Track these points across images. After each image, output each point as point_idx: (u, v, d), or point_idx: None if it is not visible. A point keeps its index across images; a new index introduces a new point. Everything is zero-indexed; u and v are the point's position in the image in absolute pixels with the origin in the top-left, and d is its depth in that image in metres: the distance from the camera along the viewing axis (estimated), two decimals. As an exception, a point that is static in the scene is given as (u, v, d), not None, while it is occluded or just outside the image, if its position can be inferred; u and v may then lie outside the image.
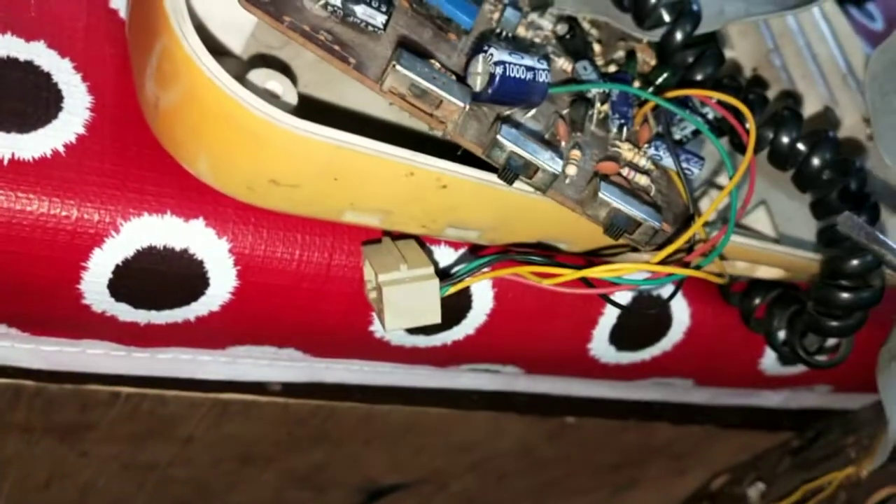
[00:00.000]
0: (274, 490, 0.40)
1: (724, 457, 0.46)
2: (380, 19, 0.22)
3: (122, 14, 0.25)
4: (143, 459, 0.36)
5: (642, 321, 0.30)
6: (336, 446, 0.38)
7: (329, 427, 0.35)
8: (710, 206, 0.25)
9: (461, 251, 0.26)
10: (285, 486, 0.40)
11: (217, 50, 0.25)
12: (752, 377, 0.34)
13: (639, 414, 0.38)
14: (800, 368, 0.35)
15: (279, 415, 0.33)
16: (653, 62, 0.28)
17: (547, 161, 0.22)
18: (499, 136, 0.22)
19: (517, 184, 0.23)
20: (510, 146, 0.22)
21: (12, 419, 0.31)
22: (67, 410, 0.31)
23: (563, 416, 0.37)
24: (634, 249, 0.24)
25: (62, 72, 0.23)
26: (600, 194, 0.23)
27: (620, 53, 0.29)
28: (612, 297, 0.25)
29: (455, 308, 0.27)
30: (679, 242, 0.22)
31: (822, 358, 0.29)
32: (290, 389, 0.32)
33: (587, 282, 0.23)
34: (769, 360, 0.34)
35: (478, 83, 0.23)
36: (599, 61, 0.28)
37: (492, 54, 0.23)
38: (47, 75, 0.23)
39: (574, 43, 0.27)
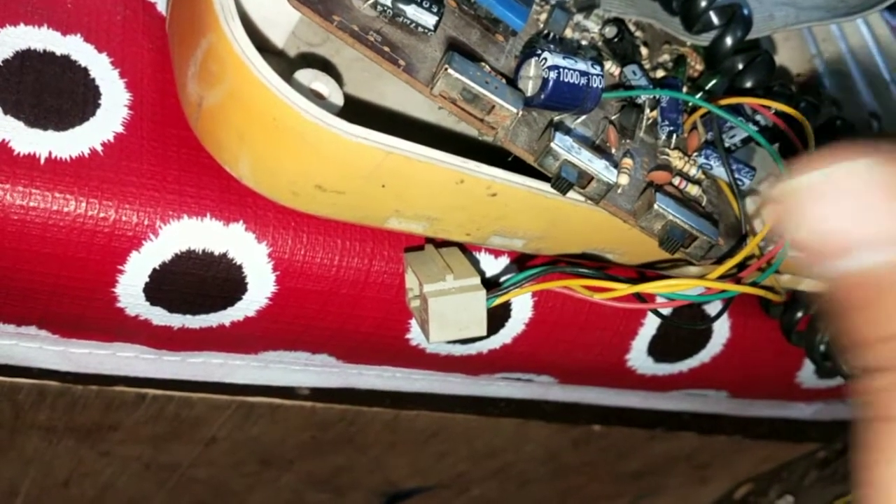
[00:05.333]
0: (293, 491, 0.40)
1: (747, 466, 0.46)
2: (431, 20, 0.21)
3: (160, 7, 0.24)
4: (165, 460, 0.35)
5: (683, 333, 0.29)
6: (359, 450, 0.37)
7: (354, 431, 0.35)
8: (756, 212, 0.24)
9: (502, 258, 0.25)
10: (305, 487, 0.40)
11: (258, 46, 0.24)
12: (787, 390, 0.34)
13: (667, 423, 0.38)
14: (837, 381, 0.34)
15: (305, 418, 0.33)
16: (697, 66, 0.28)
17: (602, 170, 0.22)
18: (553, 144, 0.21)
19: (571, 194, 0.22)
20: (564, 154, 0.21)
21: (35, 419, 0.30)
22: (91, 411, 0.30)
23: (590, 424, 0.37)
24: (688, 263, 0.24)
25: (100, 67, 0.23)
26: (656, 206, 0.22)
27: (666, 56, 0.28)
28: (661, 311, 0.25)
29: (493, 317, 0.27)
30: (737, 259, 0.21)
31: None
32: (318, 393, 0.31)
33: (640, 297, 0.22)
34: (807, 373, 0.33)
35: (529, 87, 0.22)
36: (646, 65, 0.28)
37: (545, 58, 0.22)
38: (85, 70, 0.22)
39: (622, 46, 0.27)
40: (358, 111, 0.25)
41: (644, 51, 0.28)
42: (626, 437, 0.39)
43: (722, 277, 0.22)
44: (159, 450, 0.34)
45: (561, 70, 0.22)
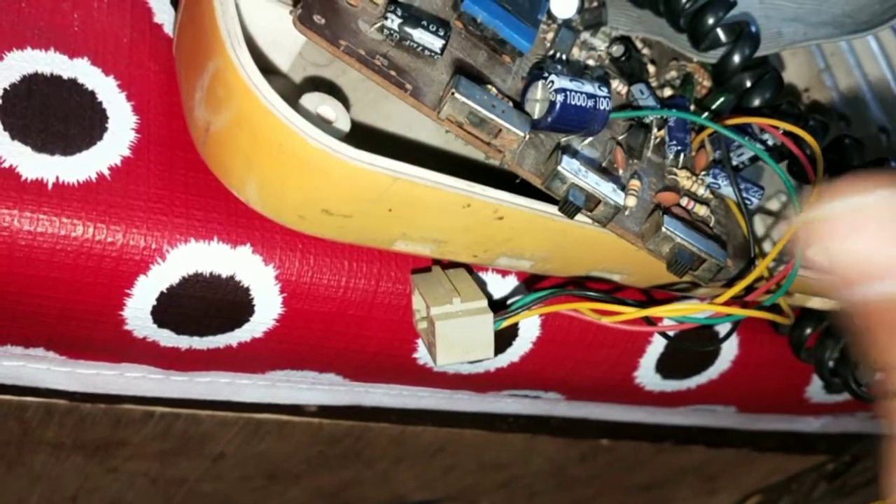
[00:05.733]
0: (301, 505, 0.40)
1: (756, 478, 0.45)
2: (437, 44, 0.21)
3: (167, 29, 0.24)
4: (172, 475, 0.35)
5: (691, 350, 0.29)
6: (366, 464, 0.37)
7: (361, 446, 0.35)
8: (765, 230, 0.24)
9: (510, 278, 0.25)
10: (312, 501, 0.40)
11: (264, 68, 0.24)
12: (796, 404, 0.34)
13: (675, 438, 0.38)
14: (846, 396, 0.34)
15: (312, 434, 0.33)
16: (705, 83, 0.28)
17: (609, 193, 0.22)
18: (560, 168, 0.21)
19: (579, 217, 0.22)
20: (571, 178, 0.21)
21: (43, 436, 0.30)
22: (99, 428, 0.30)
23: (598, 438, 0.37)
24: (695, 285, 0.24)
25: (107, 90, 0.23)
26: (664, 229, 0.22)
27: (673, 73, 0.28)
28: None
29: (501, 336, 0.27)
30: (746, 282, 0.21)
31: (875, 392, 0.28)
32: (325, 411, 0.31)
33: (648, 319, 0.22)
34: (815, 388, 0.33)
35: (536, 110, 0.22)
36: (653, 83, 0.28)
37: (552, 81, 0.22)
38: (91, 94, 0.22)
39: (629, 64, 0.27)
40: (364, 132, 0.25)
41: (651, 68, 0.28)
42: (633, 451, 0.38)
43: (730, 299, 0.22)
44: (167, 465, 0.34)
45: (568, 93, 0.22)
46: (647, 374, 0.29)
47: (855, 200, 0.14)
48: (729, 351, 0.30)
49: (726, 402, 0.33)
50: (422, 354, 0.26)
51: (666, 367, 0.29)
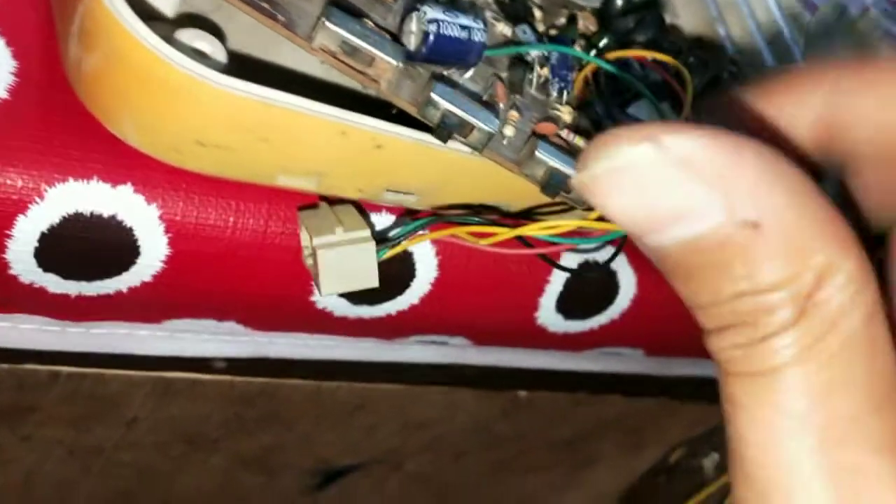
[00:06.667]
0: (223, 473, 0.40)
1: (680, 431, 0.46)
2: (309, -23, 0.22)
3: (48, -22, 0.24)
4: (88, 443, 0.35)
5: (589, 289, 0.30)
6: (286, 427, 0.37)
7: (277, 406, 0.35)
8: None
9: (399, 217, 0.26)
10: (235, 468, 0.40)
11: (148, 14, 0.24)
12: (702, 346, 0.34)
13: (590, 387, 0.38)
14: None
15: (224, 393, 0.33)
16: (592, 27, 0.28)
17: (482, 120, 0.22)
18: (432, 94, 0.22)
19: (454, 143, 0.22)
20: (444, 104, 0.22)
21: (-53, 402, 0.30)
22: (5, 392, 0.30)
23: (514, 389, 0.37)
24: (572, 209, 0.24)
25: (-17, 36, 0.23)
26: (537, 153, 0.23)
27: (562, 20, 0.29)
28: (556, 261, 0.25)
29: (399, 277, 0.27)
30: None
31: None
32: (234, 366, 0.31)
33: (525, 241, 0.22)
34: (717, 328, 0.34)
35: (412, 42, 0.23)
36: (540, 27, 0.28)
37: (425, 12, 0.22)
38: (-33, 39, 0.22)
39: (514, 7, 0.27)
40: (256, 75, 0.26)
41: (538, 14, 0.28)
42: (551, 403, 0.39)
43: (604, 220, 0.22)
44: (81, 432, 0.34)
45: (441, 23, 0.22)
46: (548, 314, 0.30)
47: (608, 161, 0.14)
48: (628, 289, 0.31)
49: (631, 344, 0.33)
50: (319, 297, 0.27)
51: (566, 306, 0.30)
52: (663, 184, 0.14)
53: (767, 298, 0.13)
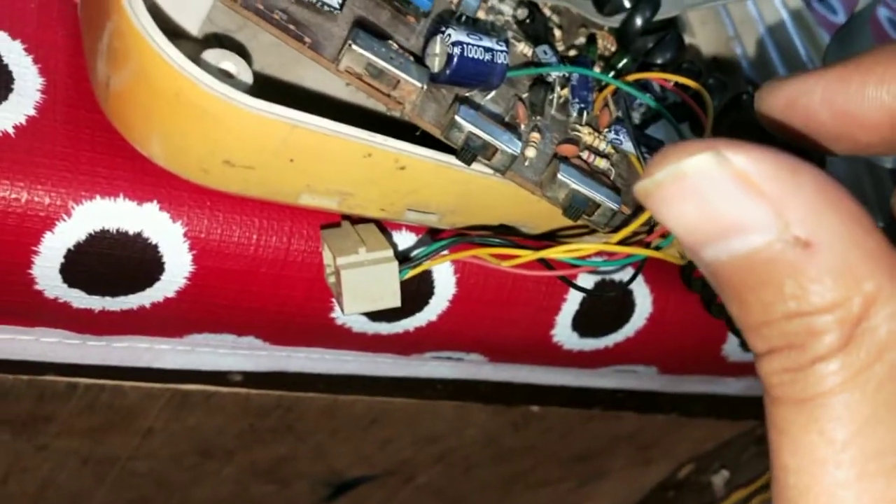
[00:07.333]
0: (237, 483, 0.40)
1: (689, 446, 0.46)
2: (336, -1, 0.22)
3: (75, -5, 0.25)
4: (103, 453, 0.35)
5: (605, 307, 0.30)
6: (300, 438, 0.37)
7: (292, 419, 0.35)
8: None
9: (422, 236, 0.26)
10: (248, 479, 0.40)
11: (173, 32, 0.24)
12: (715, 364, 0.35)
13: (603, 403, 0.38)
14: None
15: (241, 406, 0.33)
16: (611, 47, 0.28)
17: (505, 142, 0.22)
18: (457, 117, 0.22)
19: (476, 165, 0.22)
20: (468, 127, 0.22)
21: (-34, 412, 0.30)
22: (24, 402, 0.30)
23: (527, 405, 0.37)
24: (593, 232, 0.24)
25: (13, 53, 0.23)
26: (559, 176, 0.23)
27: (581, 40, 0.29)
28: (573, 281, 0.25)
29: (417, 294, 0.27)
30: (637, 223, 0.22)
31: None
32: (251, 379, 0.31)
33: (546, 263, 0.23)
34: (731, 346, 0.34)
35: (436, 64, 0.23)
36: (560, 47, 0.28)
37: (449, 35, 0.23)
38: (-3, 56, 0.23)
39: (534, 27, 0.27)
40: (279, 94, 0.26)
41: (558, 33, 0.29)
42: (564, 418, 0.39)
43: (628, 244, 0.23)
44: (97, 443, 0.34)
45: (465, 46, 0.23)
46: (563, 332, 0.30)
47: (674, 167, 0.14)
48: (643, 308, 0.31)
49: (646, 362, 0.33)
50: (339, 314, 0.27)
51: (582, 324, 0.30)
52: (722, 195, 0.14)
53: (816, 321, 0.14)
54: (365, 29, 0.22)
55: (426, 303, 0.28)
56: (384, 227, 0.25)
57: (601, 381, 0.36)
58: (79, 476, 0.37)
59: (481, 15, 0.26)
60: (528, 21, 0.27)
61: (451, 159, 0.23)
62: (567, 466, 0.45)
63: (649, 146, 0.26)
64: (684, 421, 0.43)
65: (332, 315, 0.27)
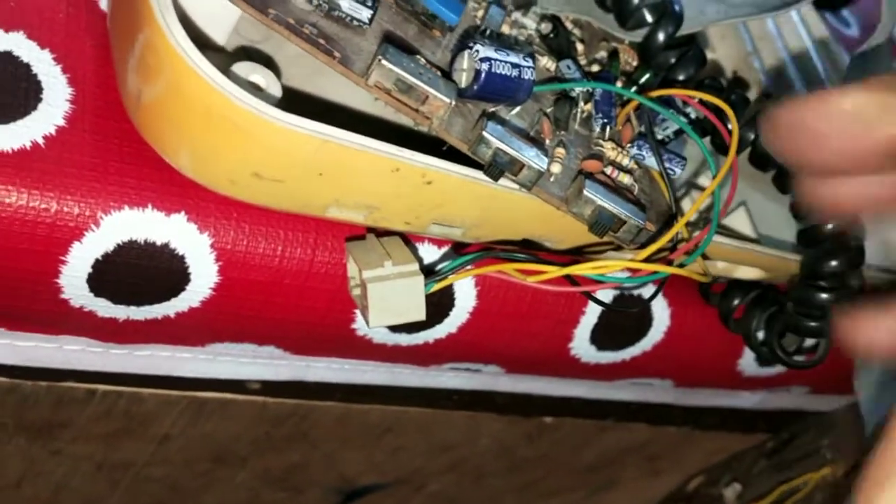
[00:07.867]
0: (249, 490, 0.40)
1: (700, 458, 0.46)
2: (365, 14, 0.22)
3: (103, 5, 0.25)
4: (118, 458, 0.35)
5: (624, 321, 0.30)
6: (313, 446, 0.37)
7: (307, 427, 0.35)
8: (692, 205, 0.25)
9: (445, 249, 0.26)
10: (261, 486, 0.40)
11: (200, 43, 0.24)
12: (730, 378, 0.35)
13: (617, 414, 0.38)
14: (778, 369, 0.35)
15: (257, 414, 0.33)
16: (636, 62, 0.29)
17: (532, 158, 0.22)
18: (485, 133, 0.22)
19: (502, 181, 0.23)
20: (496, 143, 0.22)
21: (-16, 417, 0.30)
22: (41, 408, 0.30)
23: (541, 416, 0.37)
24: (618, 248, 0.24)
25: (42, 63, 0.23)
26: (585, 192, 0.23)
27: (603, 53, 0.29)
28: (595, 295, 0.25)
29: (438, 306, 0.27)
30: (663, 240, 0.22)
31: (800, 358, 0.29)
32: (268, 388, 0.31)
33: (571, 279, 0.23)
34: (747, 361, 0.34)
35: (463, 79, 0.23)
36: (582, 60, 0.29)
37: (477, 51, 0.23)
38: (27, 66, 0.23)
39: (557, 42, 0.28)
40: (302, 106, 0.26)
41: (580, 47, 0.29)
42: (577, 429, 0.39)
43: (651, 260, 0.23)
44: (112, 448, 0.34)
45: (493, 62, 0.23)
46: (581, 345, 0.30)
47: None
48: (661, 322, 0.31)
49: (662, 375, 0.33)
50: (361, 325, 0.27)
51: (600, 337, 0.30)
52: None
53: None
54: (393, 44, 0.22)
55: (446, 315, 0.28)
56: (408, 240, 0.25)
57: (616, 393, 0.36)
58: (93, 481, 0.37)
59: (505, 29, 0.26)
60: (551, 35, 0.27)
61: (478, 174, 0.23)
62: (578, 476, 0.45)
63: (671, 161, 0.26)
64: (696, 433, 0.43)
65: (354, 326, 0.27)
